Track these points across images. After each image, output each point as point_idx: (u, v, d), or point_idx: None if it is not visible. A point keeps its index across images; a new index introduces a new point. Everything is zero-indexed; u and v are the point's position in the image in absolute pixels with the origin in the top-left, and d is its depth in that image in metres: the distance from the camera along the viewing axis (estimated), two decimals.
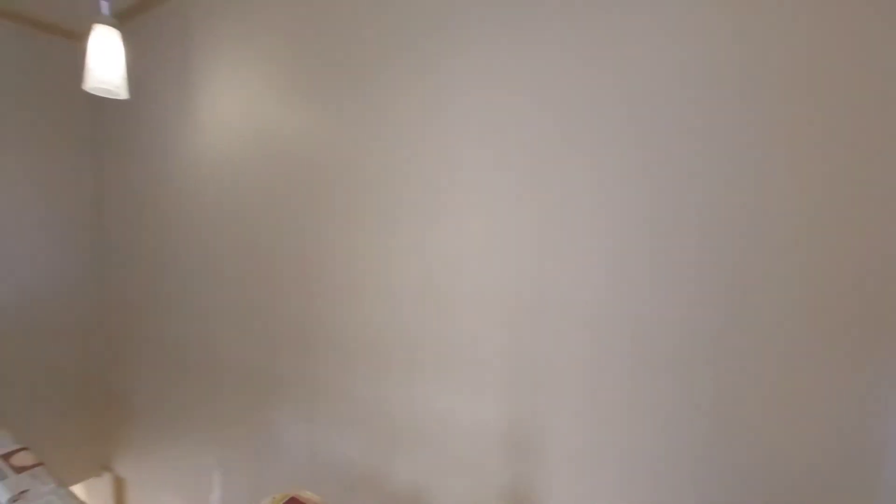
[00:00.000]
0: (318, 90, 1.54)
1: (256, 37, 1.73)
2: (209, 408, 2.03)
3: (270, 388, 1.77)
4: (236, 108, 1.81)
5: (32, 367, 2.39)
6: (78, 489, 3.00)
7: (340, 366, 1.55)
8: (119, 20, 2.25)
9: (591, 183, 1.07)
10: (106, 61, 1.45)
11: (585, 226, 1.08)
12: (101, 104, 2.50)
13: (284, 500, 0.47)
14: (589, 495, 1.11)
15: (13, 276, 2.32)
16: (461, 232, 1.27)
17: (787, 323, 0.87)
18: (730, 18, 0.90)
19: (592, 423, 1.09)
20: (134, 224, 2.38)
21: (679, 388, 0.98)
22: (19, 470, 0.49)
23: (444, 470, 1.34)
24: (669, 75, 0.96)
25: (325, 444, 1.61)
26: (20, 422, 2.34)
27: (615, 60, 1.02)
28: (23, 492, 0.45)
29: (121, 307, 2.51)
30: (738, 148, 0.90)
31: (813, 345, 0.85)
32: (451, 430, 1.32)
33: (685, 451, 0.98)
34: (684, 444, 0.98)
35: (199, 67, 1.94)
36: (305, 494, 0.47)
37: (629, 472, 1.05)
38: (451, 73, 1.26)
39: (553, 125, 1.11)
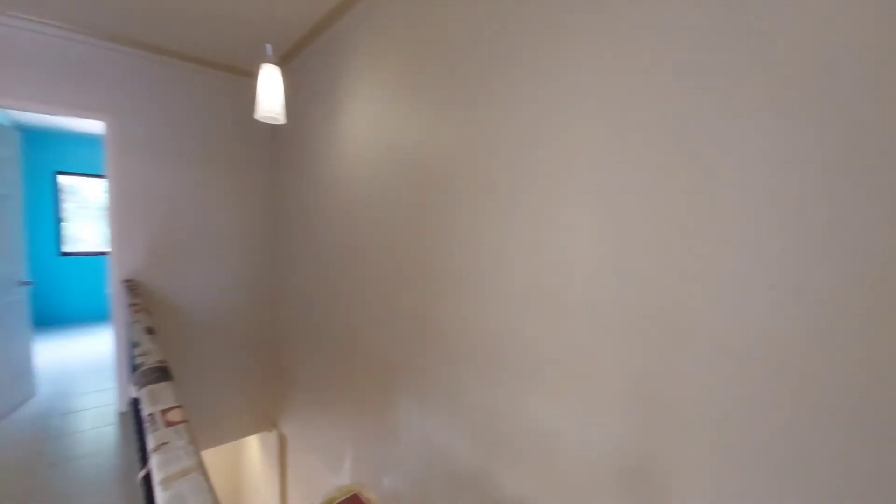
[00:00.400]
0: (440, 101, 1.60)
1: (385, 60, 1.89)
2: (346, 387, 2.31)
3: (391, 374, 1.92)
4: (371, 123, 2.01)
5: (225, 343, 3.09)
6: (254, 439, 3.77)
7: (449, 362, 1.59)
8: (281, 60, 2.74)
9: (743, 181, 0.86)
10: (270, 94, 1.77)
11: (736, 231, 0.87)
12: (275, 130, 3.09)
13: (348, 496, 0.47)
14: None
15: (214, 274, 3.02)
16: (575, 233, 1.16)
17: None
18: None
19: (731, 475, 0.88)
20: (295, 229, 2.86)
21: (862, 459, 0.71)
22: (168, 424, 0.63)
23: (547, 490, 1.25)
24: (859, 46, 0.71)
25: (434, 435, 1.68)
26: (216, 385, 3.06)
27: (773, 35, 0.80)
28: (164, 444, 0.56)
29: (287, 297, 3.05)
30: None
31: None
32: (557, 448, 1.22)
33: None
34: None
35: (341, 92, 2.23)
36: (368, 495, 0.47)
37: None
38: (571, 73, 1.17)
39: (696, 111, 0.93)
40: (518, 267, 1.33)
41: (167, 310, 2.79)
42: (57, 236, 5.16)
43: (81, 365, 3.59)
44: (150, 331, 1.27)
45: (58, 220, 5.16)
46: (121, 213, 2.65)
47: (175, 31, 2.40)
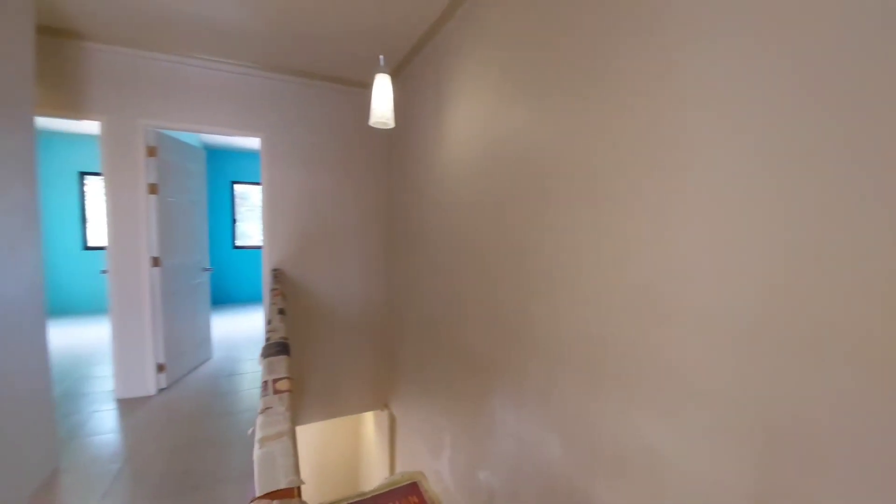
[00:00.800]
0: (542, 96, 1.54)
1: (487, 59, 1.89)
2: (445, 378, 2.40)
3: (487, 371, 1.93)
4: (473, 122, 2.04)
5: (347, 328, 3.47)
6: (370, 416, 4.16)
7: (545, 363, 1.53)
8: (394, 70, 2.94)
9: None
10: (381, 101, 1.92)
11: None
12: (392, 135, 3.35)
13: (408, 482, 0.49)
14: None
15: (340, 266, 3.41)
16: (691, 237, 1.01)
17: None
18: None
19: None
20: (406, 227, 3.07)
21: None
22: (276, 392, 0.73)
23: None
24: None
25: (527, 436, 1.63)
26: (338, 364, 3.46)
27: None
28: (268, 408, 0.66)
29: (398, 290, 3.29)
30: None
31: None
32: (662, 472, 1.08)
33: None
34: None
35: (445, 96, 2.30)
36: (426, 485, 0.48)
37: None
38: (694, 69, 1.01)
39: (834, 112, 0.72)
40: (621, 269, 1.20)
41: (302, 295, 3.26)
42: (231, 233, 6.44)
43: (246, 337, 4.44)
44: (281, 311, 1.50)
45: (232, 221, 6.45)
46: (271, 213, 3.18)
47: (309, 54, 2.77)
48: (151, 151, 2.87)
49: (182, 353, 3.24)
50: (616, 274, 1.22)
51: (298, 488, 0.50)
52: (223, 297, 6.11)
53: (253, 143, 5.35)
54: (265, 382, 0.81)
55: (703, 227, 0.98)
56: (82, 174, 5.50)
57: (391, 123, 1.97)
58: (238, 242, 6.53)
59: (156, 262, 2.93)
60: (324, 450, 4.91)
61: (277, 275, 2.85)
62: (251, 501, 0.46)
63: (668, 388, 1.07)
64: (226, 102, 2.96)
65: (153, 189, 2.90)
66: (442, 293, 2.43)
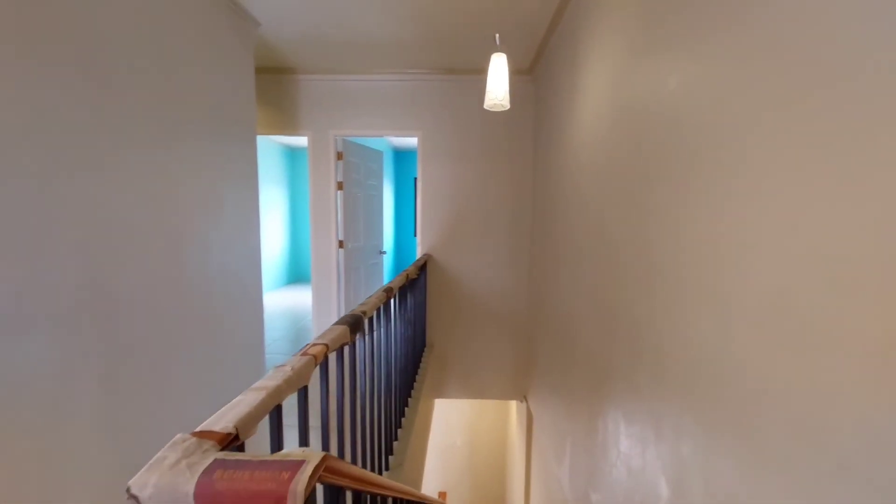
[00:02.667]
0: (678, 43, 1.20)
1: (621, 22, 1.58)
2: (569, 380, 2.18)
3: (602, 381, 1.66)
4: (606, 93, 1.74)
5: (489, 316, 3.53)
6: (513, 404, 4.15)
7: (661, 384, 1.21)
8: (533, 61, 2.77)
9: None
10: (496, 82, 1.85)
11: None
12: (537, 126, 3.20)
13: (297, 459, 0.47)
14: None
15: (484, 256, 3.48)
16: (865, 221, 0.62)
17: None
18: None
19: None
20: (545, 221, 2.89)
21: None
22: (303, 354, 0.81)
23: None
24: None
25: (636, 469, 1.33)
26: (479, 348, 3.55)
27: None
28: (281, 365, 0.74)
29: (537, 282, 3.15)
30: None
31: None
32: None
33: None
34: None
35: (580, 71, 2.03)
36: (309, 470, 0.45)
37: None
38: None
39: None
40: (747, 268, 0.84)
41: (448, 279, 3.49)
42: (414, 222, 7.40)
43: None
44: (387, 290, 1.65)
45: (415, 212, 7.40)
46: (425, 204, 3.50)
47: (453, 51, 2.89)
48: (339, 156, 3.56)
49: None
50: (741, 276, 0.86)
51: (229, 437, 0.55)
52: None
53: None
54: (307, 344, 0.91)
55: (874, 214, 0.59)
56: None
57: (507, 105, 1.88)
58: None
59: (341, 244, 3.64)
60: (475, 429, 5.18)
61: (421, 260, 3.13)
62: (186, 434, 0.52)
63: (810, 434, 0.70)
64: (390, 108, 3.39)
65: (340, 186, 3.59)
66: (568, 288, 2.20)
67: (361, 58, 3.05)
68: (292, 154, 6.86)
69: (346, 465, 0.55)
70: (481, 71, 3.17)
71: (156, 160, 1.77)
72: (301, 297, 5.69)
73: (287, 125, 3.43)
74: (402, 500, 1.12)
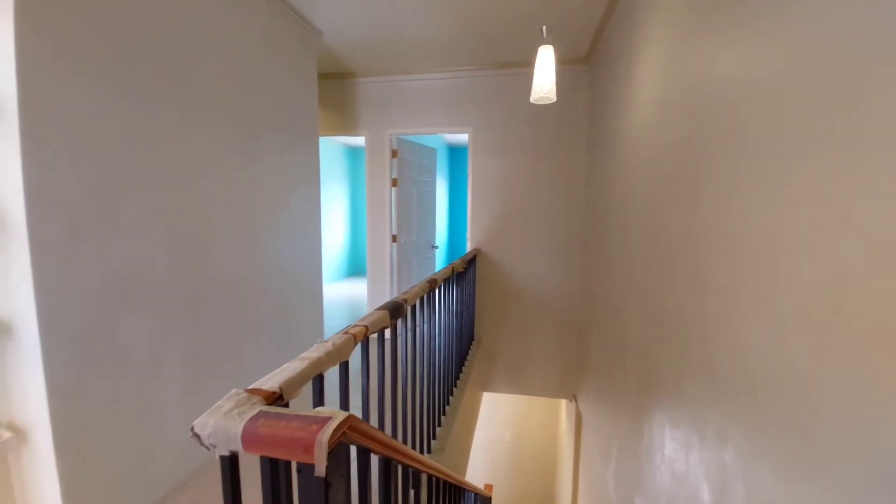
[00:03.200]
0: (729, 24, 1.13)
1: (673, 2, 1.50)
2: (617, 381, 2.12)
3: (649, 382, 1.60)
4: (659, 81, 1.66)
5: (538, 311, 3.48)
6: (563, 403, 4.06)
7: (707, 388, 1.15)
8: (587, 51, 2.67)
9: None
10: (542, 75, 1.84)
11: None
12: (592, 120, 3.10)
13: (327, 416, 0.54)
14: None
15: (534, 250, 3.44)
16: None
17: None
18: None
19: None
20: (599, 215, 2.80)
21: None
22: (345, 333, 0.90)
23: None
24: None
25: (680, 474, 1.28)
26: (527, 344, 3.52)
27: None
28: (324, 341, 0.83)
29: (589, 280, 3.06)
30: None
31: None
32: None
33: None
34: None
35: (635, 58, 1.95)
36: (333, 426, 0.52)
37: None
38: None
39: None
40: (798, 262, 0.78)
41: (497, 275, 3.51)
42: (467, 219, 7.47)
43: None
44: (430, 282, 1.73)
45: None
46: (475, 199, 3.54)
47: (503, 46, 2.89)
48: (394, 153, 3.72)
49: None
50: (792, 271, 0.81)
51: (274, 395, 0.65)
52: None
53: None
54: (350, 325, 1.01)
55: None
56: None
57: (553, 97, 1.86)
58: None
59: (394, 238, 3.80)
60: (524, 425, 5.14)
61: (470, 254, 3.18)
62: (240, 390, 0.63)
63: (849, 463, 0.65)
64: (441, 105, 3.47)
65: (394, 182, 3.75)
66: (620, 287, 2.13)
67: (414, 58, 3.16)
68: (353, 153, 7.23)
69: (369, 428, 0.62)
70: (532, 64, 3.14)
71: (234, 163, 2.00)
72: (359, 289, 6.00)
73: (346, 126, 3.65)
74: (432, 475, 1.19)
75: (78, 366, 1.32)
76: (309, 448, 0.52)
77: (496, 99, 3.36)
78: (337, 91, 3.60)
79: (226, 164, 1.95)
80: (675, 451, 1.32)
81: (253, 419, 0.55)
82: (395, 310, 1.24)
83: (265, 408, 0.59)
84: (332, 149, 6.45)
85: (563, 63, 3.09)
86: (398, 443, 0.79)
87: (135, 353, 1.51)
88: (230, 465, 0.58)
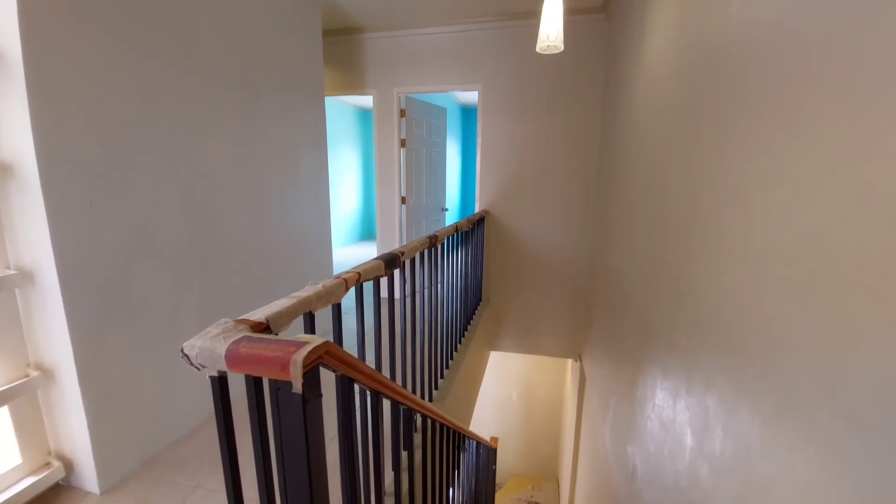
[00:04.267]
0: None
1: None
2: (618, 339, 2.14)
3: (645, 338, 1.62)
4: (669, 31, 1.56)
5: (546, 273, 3.49)
6: (569, 363, 4.14)
7: (691, 334, 1.17)
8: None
9: None
10: (549, 22, 1.76)
11: None
12: (608, 79, 2.95)
13: (304, 341, 0.58)
14: None
15: (543, 212, 3.39)
16: None
17: None
18: None
19: None
20: (610, 177, 2.72)
21: None
22: (337, 278, 0.94)
23: None
24: None
25: (667, 422, 1.31)
26: (535, 304, 3.55)
27: None
28: (316, 283, 0.87)
29: (596, 243, 3.03)
30: None
31: None
32: None
33: None
34: None
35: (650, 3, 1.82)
36: (309, 349, 0.55)
37: None
38: None
39: None
40: (786, 214, 0.76)
41: (506, 237, 3.50)
42: None
43: None
44: (431, 238, 1.75)
45: None
46: (484, 160, 3.49)
47: None
48: (402, 113, 3.65)
49: None
50: (772, 218, 0.79)
51: (260, 324, 0.69)
52: None
53: None
54: (346, 272, 1.04)
55: None
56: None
57: (560, 46, 1.78)
58: None
59: (403, 200, 3.81)
60: (531, 384, 5.29)
61: (476, 215, 3.16)
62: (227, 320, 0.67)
63: (817, 402, 0.66)
64: (450, 61, 3.35)
65: (403, 143, 3.71)
66: (623, 246, 2.11)
67: (422, 9, 3.03)
68: (366, 116, 7.13)
69: (346, 355, 0.66)
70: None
71: (239, 122, 2.01)
72: (371, 252, 6.09)
73: (354, 85, 3.58)
74: (427, 416, 1.25)
75: (100, 313, 1.41)
76: (286, 366, 0.56)
77: (507, 53, 3.22)
78: (343, 48, 3.51)
79: (231, 123, 1.96)
80: (664, 400, 1.36)
81: (236, 342, 0.59)
82: (390, 260, 1.27)
83: (250, 334, 0.63)
84: (343, 112, 6.37)
85: (577, 12, 2.92)
86: (383, 376, 0.83)
87: (153, 304, 1.60)
88: (220, 384, 0.64)
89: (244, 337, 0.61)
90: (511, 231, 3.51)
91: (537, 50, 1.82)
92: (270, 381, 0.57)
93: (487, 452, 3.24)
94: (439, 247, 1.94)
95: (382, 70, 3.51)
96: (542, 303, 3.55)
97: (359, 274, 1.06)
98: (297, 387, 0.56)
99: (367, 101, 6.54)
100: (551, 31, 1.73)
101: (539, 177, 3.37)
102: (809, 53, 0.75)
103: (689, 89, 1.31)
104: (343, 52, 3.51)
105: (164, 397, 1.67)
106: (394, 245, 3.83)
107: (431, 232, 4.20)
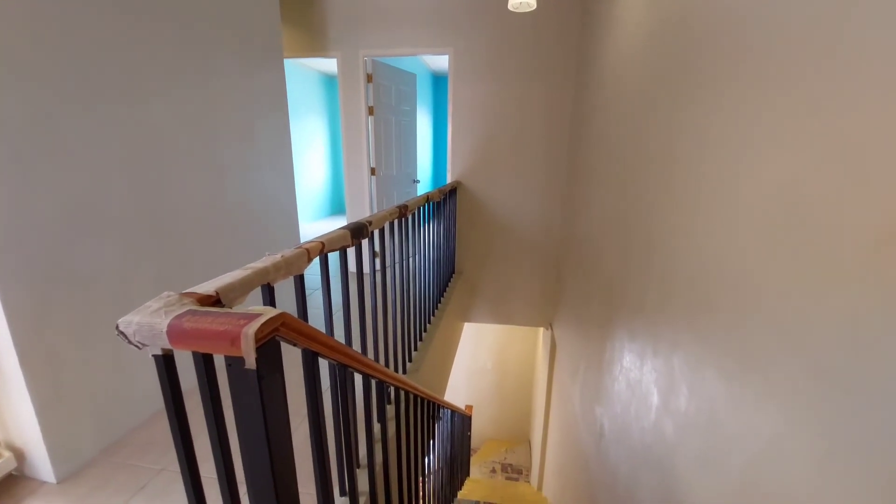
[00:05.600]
0: None
1: None
2: (586, 304, 2.19)
3: (616, 300, 1.65)
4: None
5: (519, 244, 3.50)
6: (540, 331, 4.25)
7: (661, 297, 1.19)
8: None
9: None
10: None
11: None
12: (582, 39, 2.87)
13: (271, 313, 0.53)
14: None
15: (517, 183, 3.37)
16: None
17: None
18: None
19: None
20: (583, 147, 2.70)
21: None
22: (298, 248, 0.89)
23: None
24: None
25: (634, 382, 1.36)
26: (509, 275, 3.58)
27: None
28: (275, 253, 0.82)
29: (572, 214, 3.05)
30: None
31: None
32: (769, 469, 0.73)
33: None
34: None
35: None
36: (266, 319, 0.51)
37: None
38: None
39: None
40: (762, 168, 0.76)
41: (479, 208, 3.47)
42: None
43: None
44: (400, 207, 1.68)
45: None
46: (456, 129, 3.39)
47: None
48: (369, 78, 3.47)
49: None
50: (746, 170, 0.78)
51: (209, 297, 0.63)
52: None
53: None
54: (308, 241, 0.98)
55: None
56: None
57: (533, 4, 1.70)
58: None
59: (373, 171, 3.68)
60: (505, 353, 5.43)
61: (448, 186, 3.10)
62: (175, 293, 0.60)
63: (783, 356, 0.68)
64: (421, 23, 3.18)
65: (371, 111, 3.54)
66: (595, 213, 2.12)
67: None
68: (331, 83, 6.77)
69: (306, 326, 0.62)
70: None
71: (188, 80, 1.83)
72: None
73: (315, 46, 3.36)
74: (401, 388, 1.23)
75: (39, 290, 1.29)
76: (235, 340, 0.51)
77: (479, 16, 3.08)
78: (303, 5, 3.25)
79: (179, 80, 1.78)
80: (631, 361, 1.40)
81: (179, 316, 0.53)
82: (357, 230, 1.21)
83: (196, 307, 0.57)
84: (307, 78, 6.01)
85: None
86: (349, 348, 0.80)
87: (102, 279, 1.48)
88: (165, 363, 0.58)
89: (189, 311, 0.55)
90: (483, 201, 3.48)
91: (509, 8, 1.74)
92: (226, 358, 0.52)
93: (462, 420, 3.32)
94: (410, 217, 1.89)
95: (347, 30, 3.29)
96: (514, 273, 3.58)
97: (322, 244, 1.00)
98: (251, 362, 0.51)
99: (332, 66, 6.19)
100: None
101: (511, 145, 3.32)
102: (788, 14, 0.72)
103: (666, 51, 1.28)
104: (303, 9, 3.26)
105: (122, 379, 1.58)
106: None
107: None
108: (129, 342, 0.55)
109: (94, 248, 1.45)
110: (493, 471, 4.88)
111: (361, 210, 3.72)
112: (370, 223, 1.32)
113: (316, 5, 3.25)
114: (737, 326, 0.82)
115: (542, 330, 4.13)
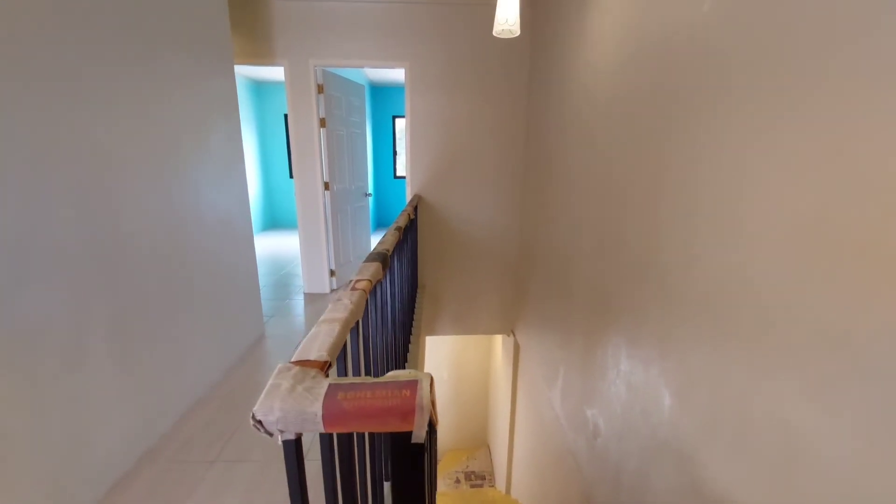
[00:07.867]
0: None
1: None
2: (564, 311, 2.32)
3: (604, 307, 1.77)
4: (627, 18, 1.67)
5: (480, 253, 3.59)
6: (498, 339, 4.39)
7: (667, 306, 1.31)
8: None
9: None
10: (507, 5, 1.73)
11: None
12: (534, 60, 3.04)
13: (409, 378, 0.49)
14: None
15: (475, 192, 3.45)
16: None
17: None
18: None
19: None
20: (539, 156, 2.86)
21: None
22: (353, 289, 0.82)
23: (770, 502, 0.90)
24: None
25: (639, 385, 1.47)
26: (470, 285, 3.64)
27: None
28: (339, 299, 0.75)
29: (531, 222, 3.20)
30: None
31: None
32: (797, 457, 0.84)
33: None
34: None
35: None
36: (424, 385, 0.47)
37: None
38: None
39: None
40: (777, 189, 0.88)
41: (438, 220, 3.49)
42: (393, 164, 7.17)
43: None
44: (398, 229, 1.64)
45: (393, 152, 7.13)
46: (414, 142, 3.37)
47: None
48: (320, 88, 3.31)
49: (347, 262, 3.94)
50: (767, 197, 0.91)
51: (326, 364, 0.57)
52: (386, 221, 7.03)
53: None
54: (350, 281, 0.92)
55: None
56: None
57: (517, 31, 1.77)
58: (399, 172, 7.24)
59: (326, 186, 3.51)
60: (460, 361, 5.50)
61: (414, 200, 3.09)
62: (285, 363, 0.53)
63: (818, 356, 0.79)
64: (375, 36, 3.12)
65: (322, 123, 3.38)
66: (567, 224, 2.26)
67: None
68: (258, 88, 6.32)
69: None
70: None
71: (136, 89, 1.59)
72: (280, 244, 5.56)
73: (260, 53, 3.12)
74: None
75: None
76: (407, 415, 0.47)
77: (437, 32, 3.11)
78: (247, 12, 3.01)
79: (125, 88, 1.54)
80: (633, 366, 1.52)
81: (330, 395, 0.48)
82: (384, 261, 1.16)
83: (333, 380, 0.51)
84: None
85: None
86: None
87: (48, 332, 1.22)
88: (295, 448, 0.51)
89: (334, 387, 0.49)
90: (443, 214, 3.50)
91: (494, 33, 1.80)
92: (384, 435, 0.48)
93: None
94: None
95: (295, 39, 3.11)
96: (475, 282, 3.65)
97: (370, 281, 0.95)
98: (420, 435, 0.48)
99: (259, 72, 5.78)
100: (510, 15, 1.71)
101: (470, 158, 3.39)
102: (804, 36, 0.86)
103: (656, 73, 1.42)
104: (247, 16, 3.01)
105: (81, 447, 1.32)
106: (319, 234, 3.54)
107: (356, 219, 3.97)
108: (265, 430, 0.48)
109: (35, 297, 1.19)
110: (458, 481, 4.90)
111: (316, 225, 3.52)
112: (387, 251, 1.27)
113: (261, 13, 3.02)
114: (760, 334, 0.94)
115: (500, 337, 4.26)
